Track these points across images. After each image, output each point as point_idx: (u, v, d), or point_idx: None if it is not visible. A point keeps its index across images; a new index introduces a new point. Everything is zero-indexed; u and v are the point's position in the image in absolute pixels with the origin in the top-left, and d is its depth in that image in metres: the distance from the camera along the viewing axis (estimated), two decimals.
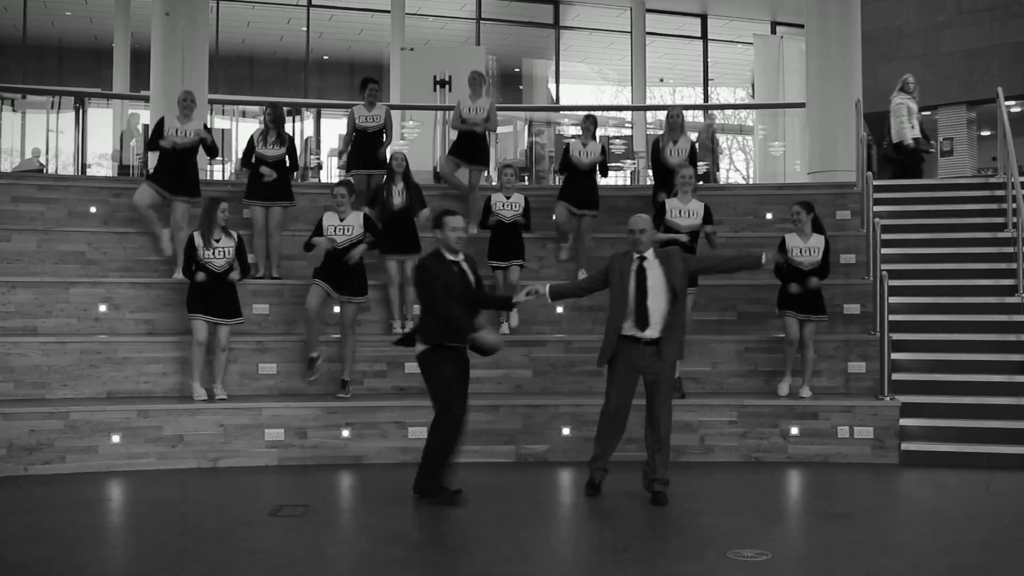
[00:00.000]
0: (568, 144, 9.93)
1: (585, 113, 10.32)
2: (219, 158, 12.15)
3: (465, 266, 6.27)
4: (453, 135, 10.65)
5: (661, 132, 9.88)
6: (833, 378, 8.29)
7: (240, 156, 9.68)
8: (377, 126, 9.73)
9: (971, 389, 8.02)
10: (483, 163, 10.19)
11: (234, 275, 7.81)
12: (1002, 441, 7.53)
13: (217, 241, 7.71)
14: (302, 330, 8.15)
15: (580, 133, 9.88)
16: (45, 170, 14.38)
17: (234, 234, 7.88)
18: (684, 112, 9.80)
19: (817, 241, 8.01)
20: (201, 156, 9.24)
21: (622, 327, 6.18)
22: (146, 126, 13.44)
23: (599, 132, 10.69)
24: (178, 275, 8.59)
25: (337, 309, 8.18)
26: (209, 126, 9.16)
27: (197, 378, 7.69)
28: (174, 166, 8.92)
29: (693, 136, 9.73)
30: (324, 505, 6.37)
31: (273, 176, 8.90)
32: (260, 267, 8.95)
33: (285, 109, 9.92)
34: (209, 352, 7.78)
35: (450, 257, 6.22)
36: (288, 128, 10.95)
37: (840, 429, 7.65)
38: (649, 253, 6.25)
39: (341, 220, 8.01)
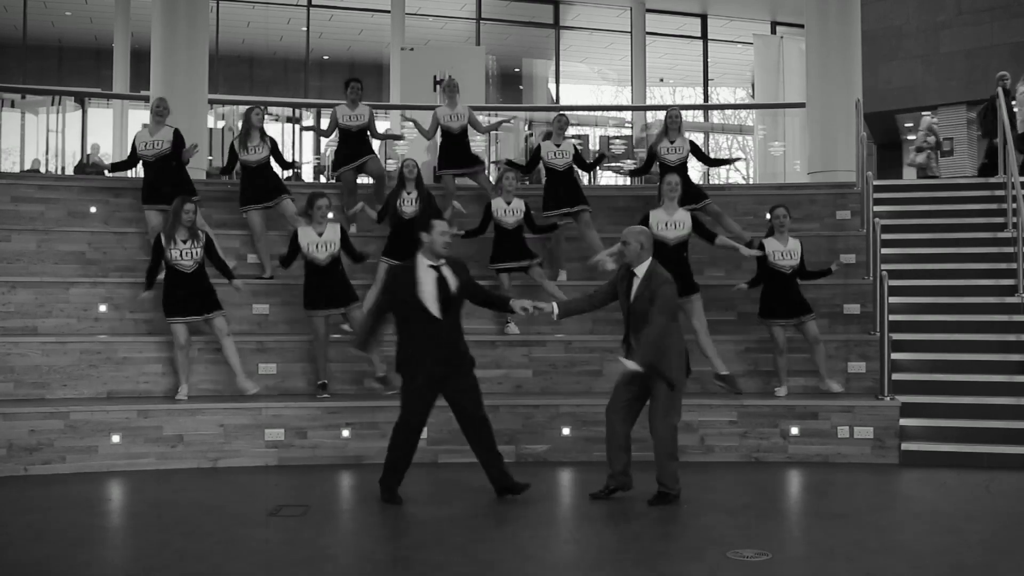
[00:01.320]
0: (539, 146, 9.71)
1: (557, 113, 10.10)
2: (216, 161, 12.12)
3: (446, 271, 6.02)
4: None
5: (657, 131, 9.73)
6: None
7: (224, 165, 9.69)
8: (360, 125, 9.70)
9: (971, 389, 8.03)
10: (476, 164, 10.05)
11: (237, 283, 7.86)
12: (1002, 441, 7.53)
13: (184, 242, 7.68)
14: (302, 330, 8.14)
15: (552, 133, 9.70)
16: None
17: (202, 234, 7.84)
18: (683, 112, 9.72)
19: (795, 244, 8.05)
20: (198, 158, 9.23)
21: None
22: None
23: (599, 133, 10.59)
24: (161, 276, 8.59)
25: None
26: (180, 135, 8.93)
27: (184, 380, 7.72)
28: (156, 178, 8.86)
29: (697, 136, 9.68)
30: (324, 505, 6.37)
31: None
32: (266, 268, 8.93)
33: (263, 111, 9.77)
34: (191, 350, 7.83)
35: (429, 263, 5.98)
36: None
37: (840, 429, 7.65)
38: (641, 268, 6.00)
39: (320, 235, 7.84)
